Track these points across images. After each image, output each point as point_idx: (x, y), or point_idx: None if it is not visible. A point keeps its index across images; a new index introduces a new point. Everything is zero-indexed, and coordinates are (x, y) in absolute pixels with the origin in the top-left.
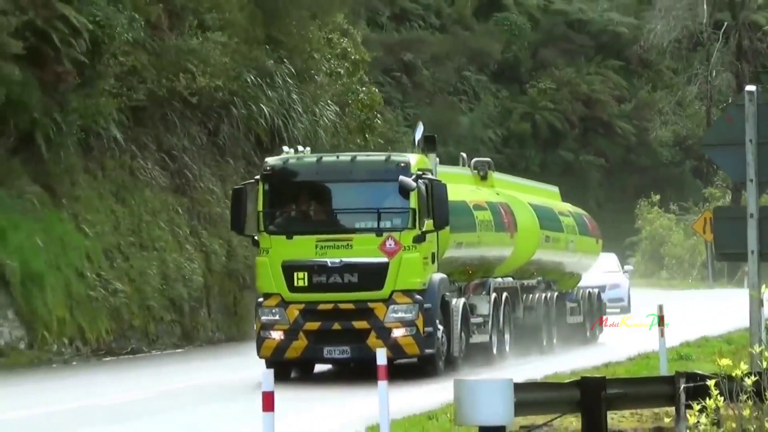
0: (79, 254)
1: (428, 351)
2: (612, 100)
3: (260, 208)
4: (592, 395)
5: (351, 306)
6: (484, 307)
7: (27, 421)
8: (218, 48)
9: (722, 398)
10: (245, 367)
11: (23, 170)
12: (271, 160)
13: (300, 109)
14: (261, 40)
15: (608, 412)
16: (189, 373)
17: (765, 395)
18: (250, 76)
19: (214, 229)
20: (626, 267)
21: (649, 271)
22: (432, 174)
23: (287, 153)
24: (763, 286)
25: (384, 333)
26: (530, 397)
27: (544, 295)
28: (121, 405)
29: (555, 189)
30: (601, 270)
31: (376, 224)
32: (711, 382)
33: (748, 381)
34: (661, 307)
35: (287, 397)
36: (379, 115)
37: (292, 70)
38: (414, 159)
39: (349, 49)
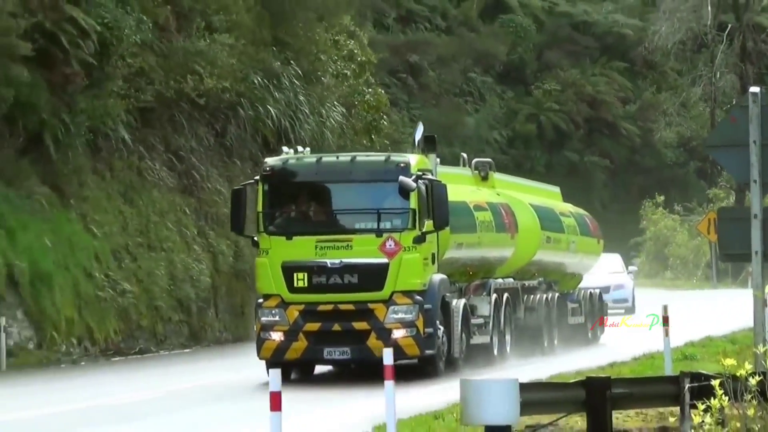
0: (87, 254)
1: (428, 352)
2: (617, 101)
3: (260, 208)
4: (597, 395)
5: (351, 307)
6: (484, 308)
7: (35, 421)
8: (225, 50)
9: (726, 398)
10: (252, 367)
11: (32, 171)
12: (270, 161)
13: (307, 111)
14: (268, 41)
15: (613, 412)
16: (197, 373)
17: None
18: (257, 77)
19: (222, 229)
20: (630, 268)
21: (654, 272)
22: (432, 174)
23: (287, 153)
24: (767, 287)
25: (384, 334)
26: (536, 396)
27: (545, 295)
28: (129, 405)
29: (556, 189)
30: (605, 271)
31: (376, 225)
32: (715, 382)
33: (753, 381)
34: (665, 308)
35: (289, 398)
36: (385, 117)
37: (299, 71)
38: (414, 159)
39: (355, 51)
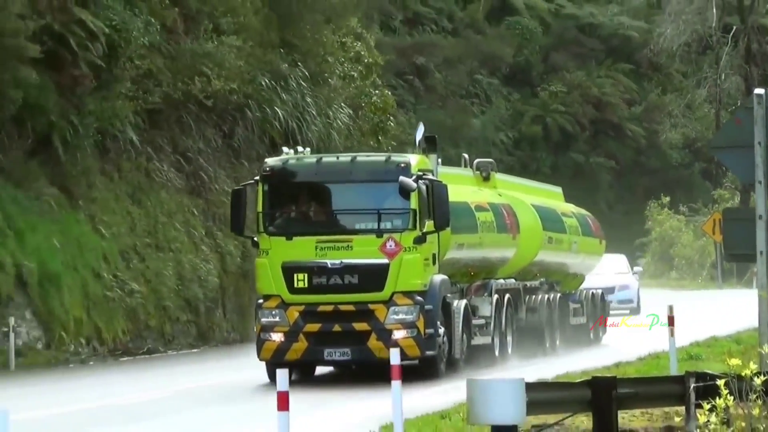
0: (95, 255)
1: (429, 353)
2: (622, 103)
3: (260, 209)
4: (603, 395)
5: (351, 307)
6: (486, 308)
7: (44, 421)
8: (233, 51)
9: (732, 398)
10: (259, 368)
11: (40, 172)
12: (270, 161)
13: (314, 112)
14: (275, 43)
15: (619, 412)
16: (204, 373)
17: None
18: (265, 79)
19: (229, 230)
20: (636, 268)
21: (659, 272)
22: (433, 174)
23: (287, 154)
24: None
25: (385, 335)
26: (542, 396)
27: (546, 296)
28: (138, 405)
29: (558, 190)
30: (610, 271)
31: (377, 225)
32: (720, 382)
33: (758, 380)
34: (671, 308)
35: (291, 398)
36: (392, 118)
37: (306, 73)
38: (414, 159)
39: (362, 53)
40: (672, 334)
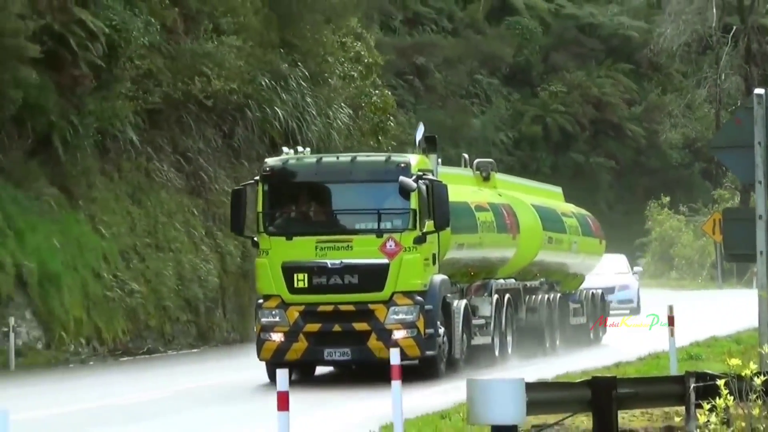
0: (95, 255)
1: (429, 353)
2: (622, 103)
3: (260, 209)
4: (603, 395)
5: (351, 307)
6: (486, 308)
7: (44, 421)
8: (233, 51)
9: (732, 398)
10: (259, 368)
11: (40, 172)
12: (270, 161)
13: (314, 112)
14: (275, 43)
15: (619, 412)
16: (204, 373)
17: None
18: (265, 79)
19: (229, 230)
20: (636, 268)
21: (659, 272)
22: (433, 174)
23: (287, 154)
24: None
25: (384, 335)
26: (542, 396)
27: (546, 296)
28: (138, 405)
29: (558, 190)
30: (610, 271)
31: (377, 225)
32: (720, 382)
33: (758, 380)
34: (671, 308)
35: (291, 398)
36: (392, 118)
37: (306, 73)
38: (414, 159)
39: (362, 53)
40: (672, 334)
